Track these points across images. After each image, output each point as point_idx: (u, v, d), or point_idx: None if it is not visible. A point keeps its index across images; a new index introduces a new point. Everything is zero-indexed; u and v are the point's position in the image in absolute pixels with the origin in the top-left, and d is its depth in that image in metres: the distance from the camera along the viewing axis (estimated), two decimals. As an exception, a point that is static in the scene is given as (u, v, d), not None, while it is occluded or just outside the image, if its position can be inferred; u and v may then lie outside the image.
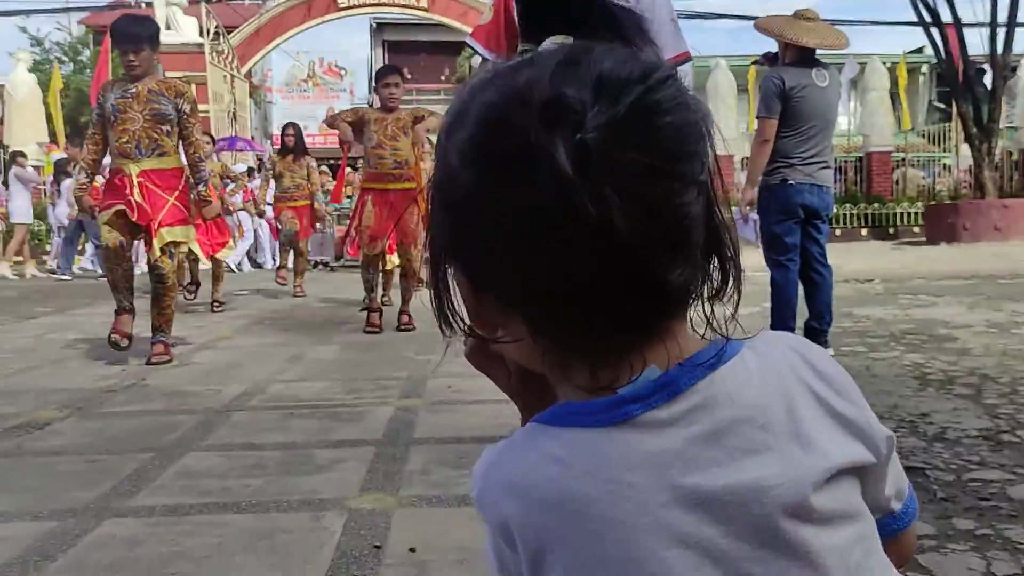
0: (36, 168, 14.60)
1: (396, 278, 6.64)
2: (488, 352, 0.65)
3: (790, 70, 4.71)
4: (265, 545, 2.07)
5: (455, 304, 0.61)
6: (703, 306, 0.59)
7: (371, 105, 6.54)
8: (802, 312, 4.83)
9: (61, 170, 13.06)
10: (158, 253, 4.64)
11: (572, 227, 0.50)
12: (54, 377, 4.41)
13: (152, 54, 4.72)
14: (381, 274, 6.17)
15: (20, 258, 13.24)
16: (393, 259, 6.51)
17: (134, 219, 4.54)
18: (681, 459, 0.54)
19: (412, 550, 2.01)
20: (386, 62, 24.58)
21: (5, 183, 13.11)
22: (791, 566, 0.54)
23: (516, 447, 0.59)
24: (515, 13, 2.60)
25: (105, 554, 2.02)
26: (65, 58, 23.58)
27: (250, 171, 13.79)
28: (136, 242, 4.84)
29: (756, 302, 6.58)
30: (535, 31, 0.57)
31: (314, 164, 8.84)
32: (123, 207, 4.54)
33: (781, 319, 4.71)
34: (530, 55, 0.56)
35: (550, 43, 0.58)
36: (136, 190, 4.56)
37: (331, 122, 6.15)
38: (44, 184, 14.10)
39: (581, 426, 0.56)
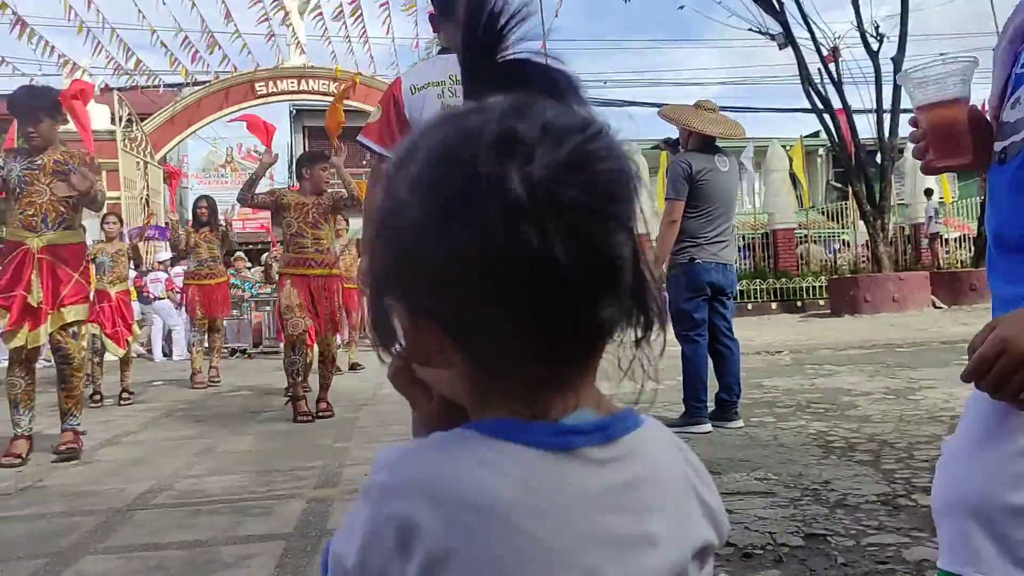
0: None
1: (315, 364, 6.57)
2: (412, 376, 0.66)
3: (695, 155, 4.95)
4: (163, 651, 1.99)
5: (393, 329, 0.62)
6: (626, 348, 0.62)
7: (290, 188, 6.55)
8: (712, 385, 4.95)
9: None
10: (43, 339, 4.51)
11: (516, 256, 0.53)
12: (-55, 481, 4.19)
13: (52, 124, 4.67)
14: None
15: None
16: (313, 350, 6.46)
17: (35, 303, 4.42)
18: (604, 499, 0.58)
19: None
20: (306, 147, 24.67)
21: None
22: None
23: (444, 447, 0.59)
24: (404, 108, 2.69)
25: (-11, 671, 1.92)
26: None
27: (173, 260, 13.56)
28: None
29: (669, 375, 6.70)
30: (477, 89, 0.59)
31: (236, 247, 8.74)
32: (20, 296, 4.42)
33: (692, 391, 4.82)
34: (469, 104, 0.60)
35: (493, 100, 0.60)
36: (35, 269, 4.46)
37: (247, 200, 6.00)
38: None
39: (517, 441, 0.57)
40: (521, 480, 0.56)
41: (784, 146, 18.96)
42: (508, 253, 0.53)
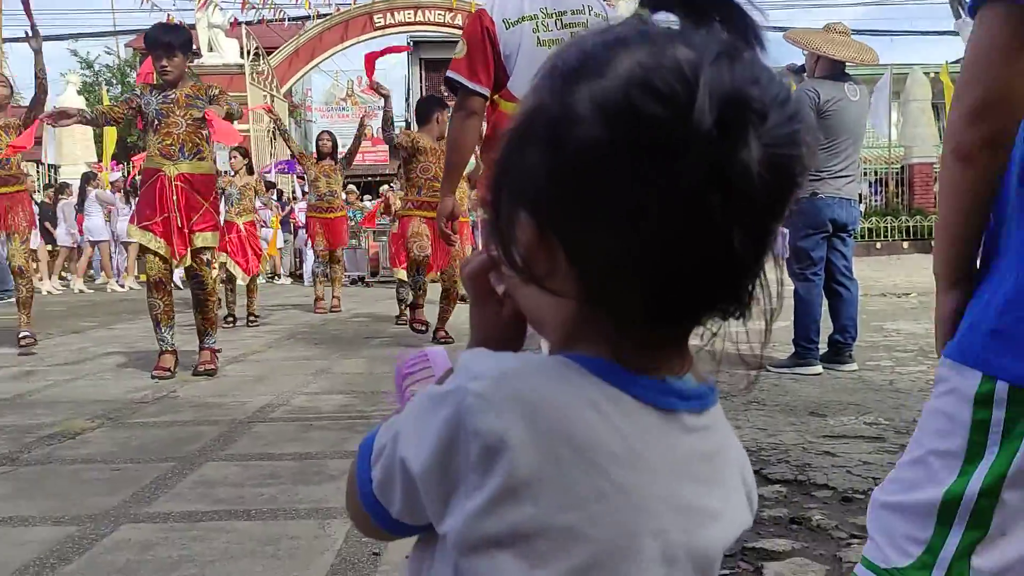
0: (67, 186, 15.03)
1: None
2: (489, 284, 0.66)
3: (823, 83, 4.72)
4: (270, 551, 2.15)
5: (513, 236, 0.58)
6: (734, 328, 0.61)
7: (408, 125, 6.68)
8: (826, 326, 4.82)
9: (87, 182, 13.48)
10: (188, 261, 4.81)
11: (689, 222, 0.51)
12: (91, 388, 4.55)
13: (184, 61, 4.93)
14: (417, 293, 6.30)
15: (94, 274, 13.76)
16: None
17: (172, 235, 4.71)
18: (686, 467, 0.58)
19: (407, 557, 2.07)
20: (423, 80, 24.82)
21: (80, 204, 13.64)
22: None
23: (547, 372, 0.57)
24: (499, 44, 2.64)
25: (117, 557, 2.11)
26: (113, 80, 24.23)
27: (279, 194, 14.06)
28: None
29: (783, 316, 6.54)
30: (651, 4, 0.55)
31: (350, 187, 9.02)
32: (159, 228, 4.71)
33: (804, 332, 4.70)
34: (665, 27, 0.55)
35: (662, 14, 0.56)
36: (172, 196, 4.73)
37: (391, 140, 6.33)
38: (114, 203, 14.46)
39: (625, 389, 0.56)
40: (623, 430, 0.56)
41: (927, 73, 17.80)
42: (686, 213, 0.51)
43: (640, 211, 0.51)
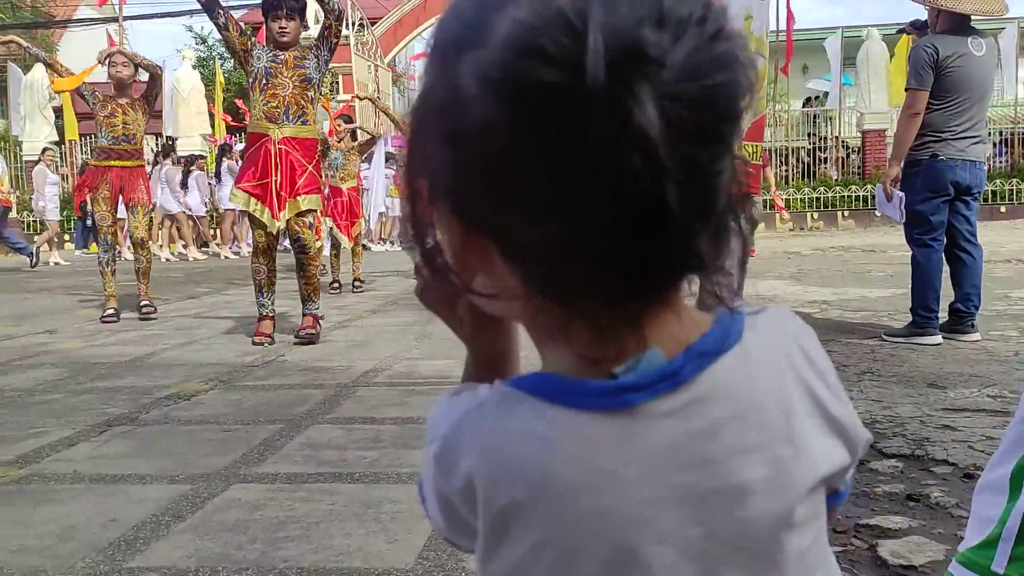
0: (201, 158, 15.65)
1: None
2: (442, 294, 0.61)
3: (944, 38, 4.44)
4: (372, 514, 2.18)
5: (433, 239, 0.54)
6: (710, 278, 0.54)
7: None
8: (947, 294, 4.58)
9: (223, 153, 14.07)
10: (282, 225, 4.85)
11: (614, 184, 0.45)
12: (205, 352, 4.74)
13: (299, 28, 4.94)
14: None
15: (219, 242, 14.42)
16: None
17: (269, 205, 4.79)
18: (675, 455, 0.51)
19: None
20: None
21: (218, 175, 14.39)
22: (764, 570, 0.53)
23: (488, 412, 0.53)
24: None
25: (227, 516, 2.18)
26: (226, 55, 25.03)
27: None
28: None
29: (900, 283, 6.29)
30: None
31: None
32: (269, 184, 4.80)
33: (922, 301, 4.48)
34: None
35: None
36: (275, 160, 4.80)
37: None
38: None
39: (569, 406, 0.51)
40: (573, 452, 0.50)
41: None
42: (604, 179, 0.45)
43: (558, 192, 0.45)
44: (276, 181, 4.80)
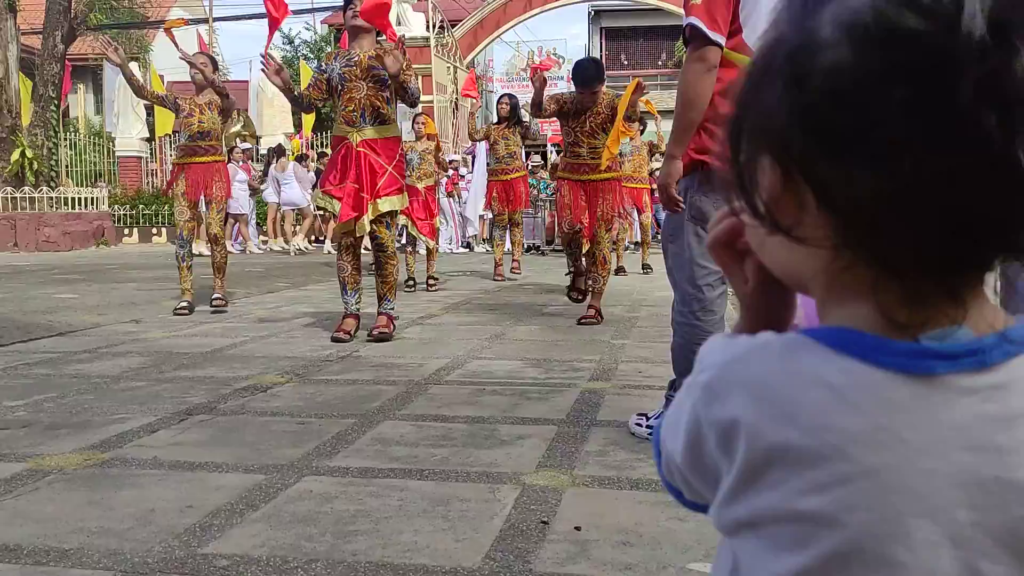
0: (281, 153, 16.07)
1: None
2: (732, 249, 0.61)
3: None
4: (440, 511, 2.19)
5: (754, 184, 0.54)
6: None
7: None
8: None
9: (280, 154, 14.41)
10: (366, 228, 4.86)
11: (964, 143, 0.45)
12: (282, 346, 4.84)
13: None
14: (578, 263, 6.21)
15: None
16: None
17: (350, 206, 4.83)
18: (967, 434, 0.49)
19: (577, 528, 2.06)
20: (604, 48, 24.57)
21: (265, 174, 14.82)
22: None
23: (774, 351, 0.53)
24: None
25: (299, 507, 2.22)
26: (310, 55, 25.58)
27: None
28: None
29: None
30: None
31: (533, 124, 8.89)
32: (351, 188, 4.84)
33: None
34: None
35: None
36: (355, 162, 4.83)
37: (536, 112, 6.03)
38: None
39: (865, 360, 0.50)
40: (862, 406, 0.49)
41: None
42: (959, 136, 0.44)
43: (901, 143, 0.45)
44: (359, 183, 4.83)
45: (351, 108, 4.86)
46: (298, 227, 15.12)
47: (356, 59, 4.87)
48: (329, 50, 5.28)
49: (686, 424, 0.56)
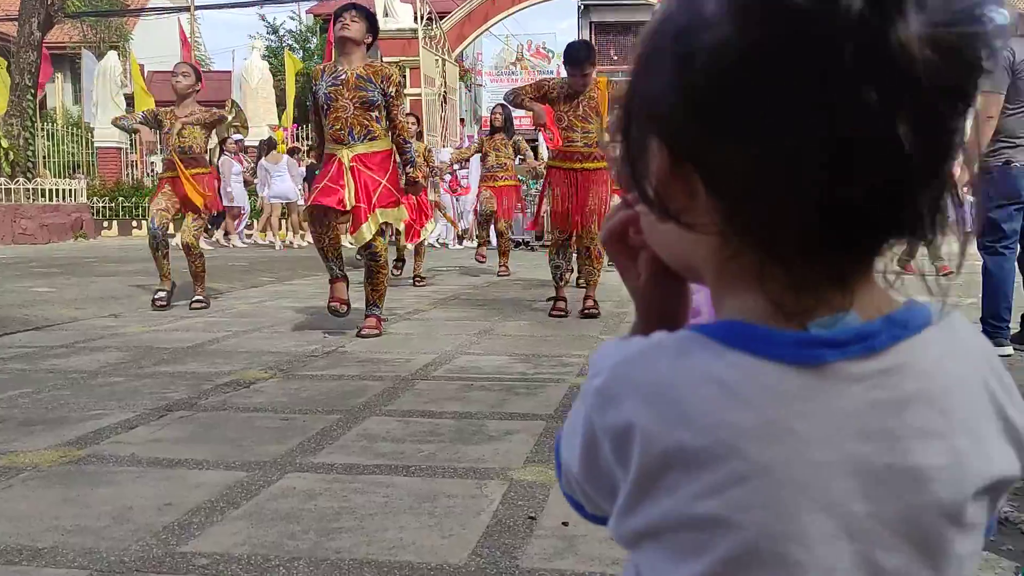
0: (250, 149, 15.94)
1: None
2: (626, 243, 0.60)
3: (1021, 41, 4.26)
4: (427, 508, 2.14)
5: (645, 171, 0.53)
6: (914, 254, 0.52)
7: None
8: (1019, 304, 4.40)
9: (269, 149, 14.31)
10: (366, 236, 4.75)
11: (847, 121, 0.43)
12: (266, 341, 4.77)
13: (364, 32, 4.82)
14: (574, 255, 6.11)
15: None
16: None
17: (346, 208, 4.74)
18: (858, 422, 0.48)
19: (565, 524, 2.02)
20: (594, 43, 24.55)
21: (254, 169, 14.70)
22: (921, 566, 0.49)
23: (665, 350, 0.51)
24: None
25: (281, 504, 2.17)
26: (296, 45, 25.40)
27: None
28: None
29: (970, 292, 6.06)
30: None
31: (524, 144, 9.01)
32: (331, 196, 4.74)
33: (993, 310, 4.30)
34: None
35: None
36: (348, 176, 4.71)
37: (516, 101, 5.85)
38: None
39: (755, 353, 0.49)
40: (754, 401, 0.48)
41: None
42: (840, 112, 0.43)
43: (782, 120, 0.44)
44: (349, 199, 4.69)
45: (339, 127, 4.73)
46: (284, 221, 15.01)
47: (343, 78, 4.73)
48: (318, 66, 5.10)
49: (581, 432, 0.54)
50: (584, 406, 0.54)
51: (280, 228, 14.94)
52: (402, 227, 7.62)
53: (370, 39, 4.92)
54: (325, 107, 4.76)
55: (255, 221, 15.37)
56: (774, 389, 0.48)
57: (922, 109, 0.44)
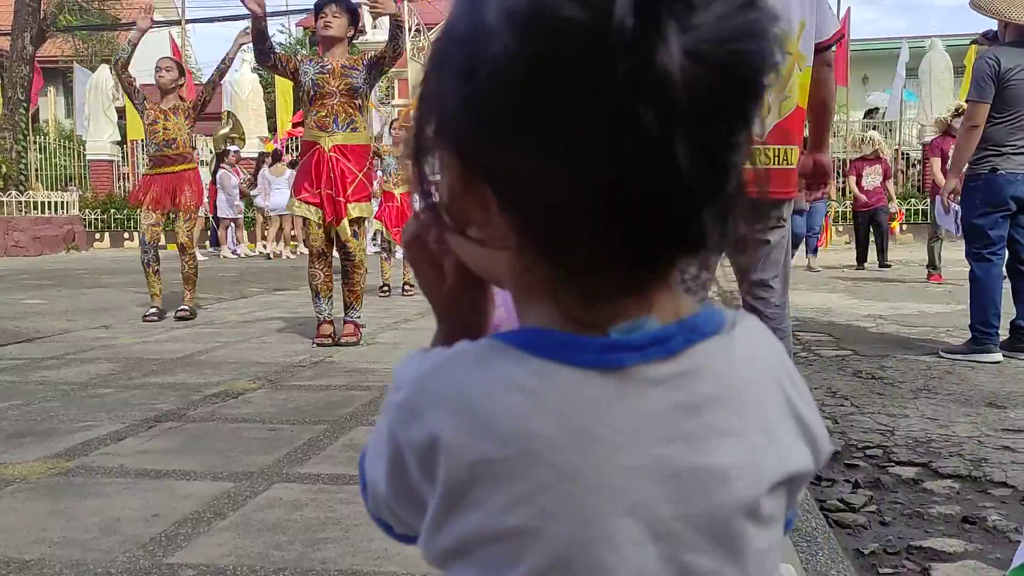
0: (247, 161, 15.95)
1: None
2: (427, 247, 0.59)
3: (1007, 50, 4.33)
4: (411, 517, 2.16)
5: (433, 183, 0.53)
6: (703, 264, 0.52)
7: None
8: (1007, 311, 4.44)
9: (273, 159, 14.35)
10: (348, 233, 4.90)
11: (623, 137, 0.43)
12: (254, 351, 4.79)
13: (347, 26, 4.90)
14: None
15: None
16: None
17: (328, 210, 4.83)
18: (660, 425, 0.49)
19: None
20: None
21: (254, 180, 14.68)
22: (725, 563, 0.50)
23: (467, 360, 0.51)
24: None
25: (268, 515, 2.19)
26: (285, 57, 25.43)
27: None
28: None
29: (959, 299, 6.12)
30: None
31: None
32: (315, 202, 4.83)
33: (982, 316, 4.35)
34: None
35: None
36: (328, 167, 4.82)
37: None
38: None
39: (557, 360, 0.49)
40: (558, 408, 0.48)
41: None
42: (615, 131, 0.43)
43: (562, 136, 0.44)
44: (332, 188, 4.83)
45: (324, 114, 4.86)
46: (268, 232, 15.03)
47: (329, 67, 4.86)
48: (304, 52, 5.17)
49: (386, 449, 0.53)
50: (387, 421, 0.53)
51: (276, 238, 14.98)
52: (391, 237, 7.69)
53: (352, 32, 5.01)
54: (312, 93, 4.86)
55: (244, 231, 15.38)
56: (576, 395, 0.48)
57: (697, 127, 0.44)
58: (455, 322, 0.61)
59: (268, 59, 4.94)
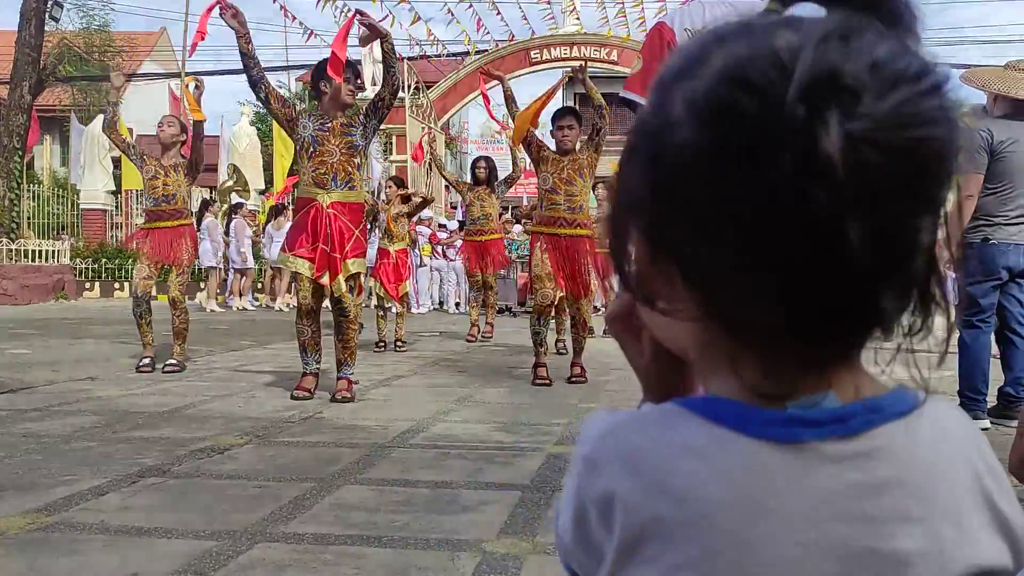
0: (253, 212, 15.98)
1: (567, 323, 6.61)
2: (630, 322, 0.62)
3: (999, 123, 4.39)
4: (397, 581, 2.11)
5: (627, 262, 0.56)
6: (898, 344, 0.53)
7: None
8: (996, 378, 4.43)
9: (278, 214, 14.41)
10: (343, 288, 4.90)
11: (796, 219, 0.45)
12: (243, 406, 4.73)
13: (355, 91, 5.04)
14: (553, 320, 6.16)
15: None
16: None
17: (321, 265, 4.83)
18: (836, 503, 0.49)
19: (538, 599, 1.99)
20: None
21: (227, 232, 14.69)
22: None
23: (649, 423, 0.53)
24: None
25: None
26: (283, 112, 25.69)
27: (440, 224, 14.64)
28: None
29: (947, 365, 6.10)
30: None
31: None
32: (310, 257, 4.85)
33: (970, 383, 4.34)
34: (780, 15, 0.51)
35: (803, 7, 0.51)
36: (325, 223, 4.84)
37: (507, 95, 6.24)
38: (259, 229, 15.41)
39: (734, 428, 0.50)
40: (733, 475, 0.49)
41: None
42: (788, 212, 0.45)
43: (738, 218, 0.47)
44: (328, 245, 4.84)
45: (323, 171, 4.89)
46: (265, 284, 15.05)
47: (329, 125, 4.92)
48: (303, 107, 5.28)
49: (572, 501, 0.56)
50: (573, 474, 0.56)
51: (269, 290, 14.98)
52: (389, 299, 7.67)
53: (354, 84, 5.09)
54: (311, 150, 4.90)
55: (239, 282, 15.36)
56: (754, 466, 0.49)
57: (870, 210, 0.45)
58: (655, 390, 0.64)
59: (259, 90, 4.93)
